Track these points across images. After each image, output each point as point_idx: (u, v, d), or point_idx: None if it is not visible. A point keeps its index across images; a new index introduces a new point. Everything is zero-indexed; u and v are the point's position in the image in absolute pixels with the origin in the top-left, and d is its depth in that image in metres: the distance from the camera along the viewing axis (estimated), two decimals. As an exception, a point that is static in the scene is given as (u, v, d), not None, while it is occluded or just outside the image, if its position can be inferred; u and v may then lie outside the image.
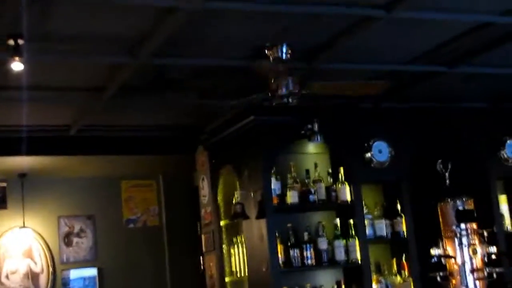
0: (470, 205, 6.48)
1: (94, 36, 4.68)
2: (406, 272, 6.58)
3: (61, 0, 4.06)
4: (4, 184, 8.49)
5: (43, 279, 8.55)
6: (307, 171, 6.49)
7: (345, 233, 6.43)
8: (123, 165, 8.36)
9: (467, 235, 6.32)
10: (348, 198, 6.47)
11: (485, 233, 6.33)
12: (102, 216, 8.90)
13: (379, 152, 6.61)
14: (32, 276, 8.50)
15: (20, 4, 3.96)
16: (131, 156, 7.86)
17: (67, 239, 8.75)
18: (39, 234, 8.62)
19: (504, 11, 4.88)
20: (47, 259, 8.59)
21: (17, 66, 4.55)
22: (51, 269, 8.58)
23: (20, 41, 4.40)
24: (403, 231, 6.62)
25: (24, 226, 8.50)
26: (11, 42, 4.41)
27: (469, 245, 6.25)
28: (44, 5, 4.12)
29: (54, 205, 8.68)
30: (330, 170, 6.59)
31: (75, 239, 8.78)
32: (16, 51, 4.43)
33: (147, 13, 4.39)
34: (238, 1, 4.27)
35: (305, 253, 6.29)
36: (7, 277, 8.38)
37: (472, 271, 5.64)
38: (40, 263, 8.57)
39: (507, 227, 7.02)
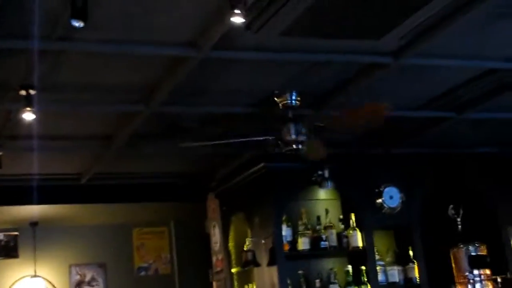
0: (483, 251, 6.43)
1: (104, 85, 4.74)
2: (419, 319, 6.51)
3: (72, 50, 4.13)
4: (16, 233, 8.50)
5: (54, 329, 8.49)
6: (318, 218, 6.46)
7: (357, 280, 6.37)
8: (135, 212, 8.36)
9: (481, 281, 6.26)
10: (360, 244, 6.43)
11: (499, 279, 6.27)
12: (113, 264, 8.85)
13: (390, 198, 6.59)
14: (43, 326, 8.44)
15: (33, 55, 4.03)
16: (143, 204, 7.87)
17: (78, 287, 8.71)
18: (51, 283, 8.58)
19: (509, 57, 4.91)
20: (58, 308, 8.55)
21: (28, 116, 4.62)
22: (62, 318, 8.52)
23: (32, 92, 4.48)
24: (416, 277, 6.55)
25: (35, 275, 8.46)
26: (23, 92, 4.49)
27: (483, 291, 6.19)
28: (56, 55, 4.19)
29: (66, 253, 8.65)
30: (341, 216, 6.57)
31: (86, 288, 8.74)
32: (27, 101, 4.51)
33: (157, 62, 4.46)
34: (245, 50, 4.33)
35: (317, 301, 6.24)
36: (18, 326, 8.33)
37: (486, 318, 5.57)
38: (51, 312, 8.52)
39: (520, 273, 6.92)
